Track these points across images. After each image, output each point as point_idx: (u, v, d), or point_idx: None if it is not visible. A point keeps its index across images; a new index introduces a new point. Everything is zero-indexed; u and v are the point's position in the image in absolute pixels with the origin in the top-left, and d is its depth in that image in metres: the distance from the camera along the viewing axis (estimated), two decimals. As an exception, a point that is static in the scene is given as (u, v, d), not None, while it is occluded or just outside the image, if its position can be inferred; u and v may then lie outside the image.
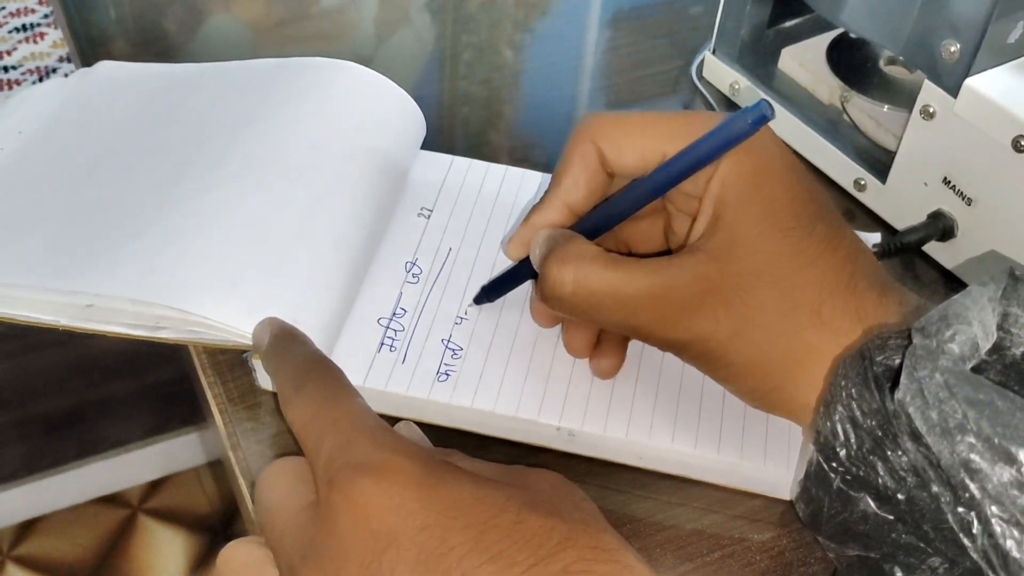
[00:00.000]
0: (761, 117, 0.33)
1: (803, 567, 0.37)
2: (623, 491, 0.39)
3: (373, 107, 0.47)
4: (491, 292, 0.42)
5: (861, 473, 0.31)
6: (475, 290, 0.43)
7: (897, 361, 0.30)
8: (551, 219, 0.38)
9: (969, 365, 0.30)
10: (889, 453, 0.30)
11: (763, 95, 0.55)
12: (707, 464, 0.39)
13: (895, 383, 0.30)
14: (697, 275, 0.34)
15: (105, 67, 0.53)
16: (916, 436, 0.29)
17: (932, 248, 0.48)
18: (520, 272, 0.40)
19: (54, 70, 0.68)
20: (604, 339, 0.40)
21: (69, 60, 0.75)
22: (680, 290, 0.34)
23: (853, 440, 0.31)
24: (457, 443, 0.35)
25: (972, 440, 0.27)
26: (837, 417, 0.31)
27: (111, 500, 1.28)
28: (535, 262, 0.37)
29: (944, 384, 0.28)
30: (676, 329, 0.34)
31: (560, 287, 0.35)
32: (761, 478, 0.39)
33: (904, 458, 0.30)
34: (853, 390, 0.31)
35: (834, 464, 0.32)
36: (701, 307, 0.34)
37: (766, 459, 0.38)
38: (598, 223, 0.38)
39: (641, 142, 0.36)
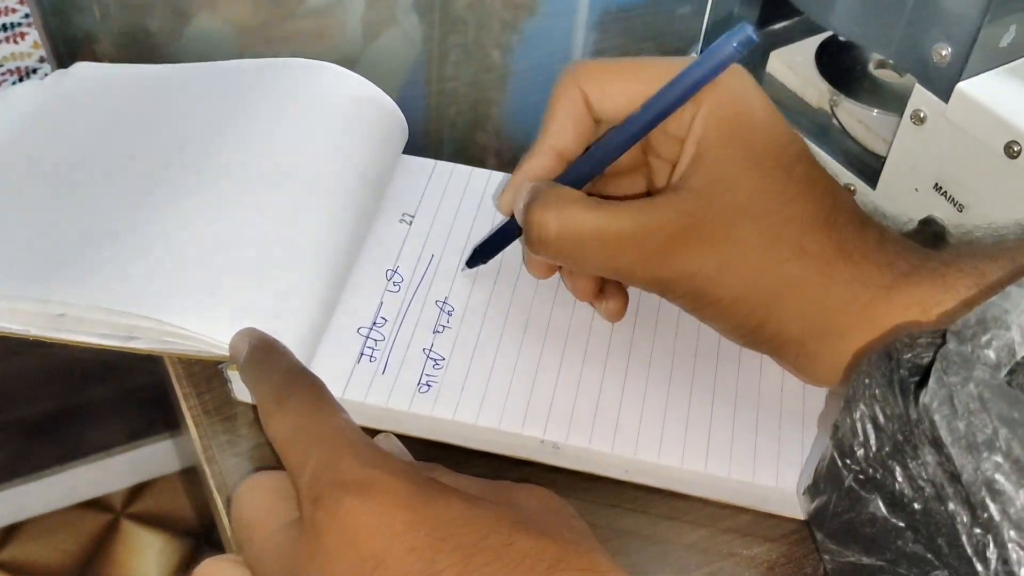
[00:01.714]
0: (747, 39, 0.33)
1: (793, 582, 0.37)
2: (610, 505, 0.38)
3: (354, 111, 0.46)
4: (484, 253, 0.42)
5: (877, 475, 0.30)
6: (458, 298, 0.42)
7: (926, 359, 0.29)
8: (541, 164, 0.38)
9: (1004, 371, 0.28)
10: (909, 460, 0.29)
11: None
12: (695, 478, 0.38)
13: (922, 381, 0.28)
14: (681, 211, 0.34)
15: (82, 68, 0.51)
16: (938, 445, 0.27)
17: (923, 254, 0.48)
18: (509, 229, 0.41)
19: (34, 70, 0.67)
20: (607, 280, 0.41)
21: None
22: (665, 227, 0.34)
23: (873, 441, 0.30)
24: (439, 456, 0.34)
25: (999, 459, 0.26)
26: (858, 415, 0.30)
27: (94, 505, 1.27)
28: (518, 212, 0.37)
29: (977, 396, 0.27)
30: (661, 267, 0.35)
31: (544, 230, 0.36)
32: (750, 492, 0.38)
33: (923, 469, 0.29)
34: (877, 391, 0.30)
35: (848, 462, 0.31)
36: (686, 243, 0.34)
37: (755, 472, 0.37)
38: (585, 169, 0.38)
39: (627, 86, 0.37)
